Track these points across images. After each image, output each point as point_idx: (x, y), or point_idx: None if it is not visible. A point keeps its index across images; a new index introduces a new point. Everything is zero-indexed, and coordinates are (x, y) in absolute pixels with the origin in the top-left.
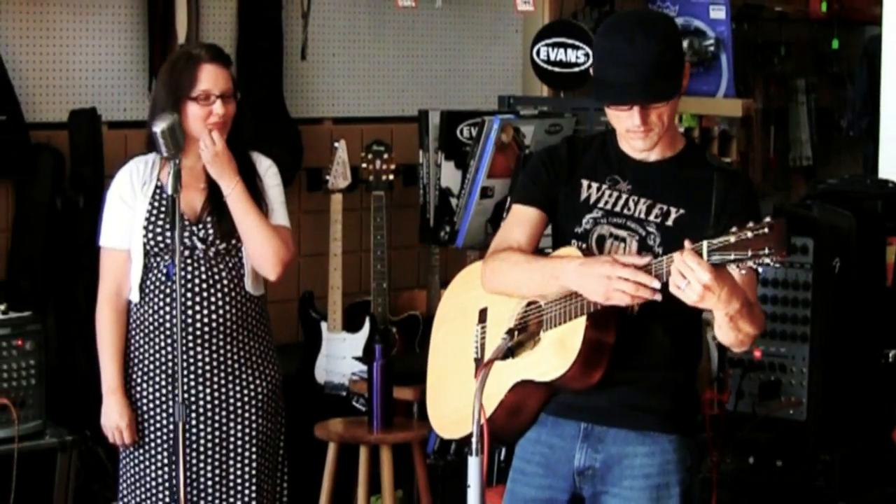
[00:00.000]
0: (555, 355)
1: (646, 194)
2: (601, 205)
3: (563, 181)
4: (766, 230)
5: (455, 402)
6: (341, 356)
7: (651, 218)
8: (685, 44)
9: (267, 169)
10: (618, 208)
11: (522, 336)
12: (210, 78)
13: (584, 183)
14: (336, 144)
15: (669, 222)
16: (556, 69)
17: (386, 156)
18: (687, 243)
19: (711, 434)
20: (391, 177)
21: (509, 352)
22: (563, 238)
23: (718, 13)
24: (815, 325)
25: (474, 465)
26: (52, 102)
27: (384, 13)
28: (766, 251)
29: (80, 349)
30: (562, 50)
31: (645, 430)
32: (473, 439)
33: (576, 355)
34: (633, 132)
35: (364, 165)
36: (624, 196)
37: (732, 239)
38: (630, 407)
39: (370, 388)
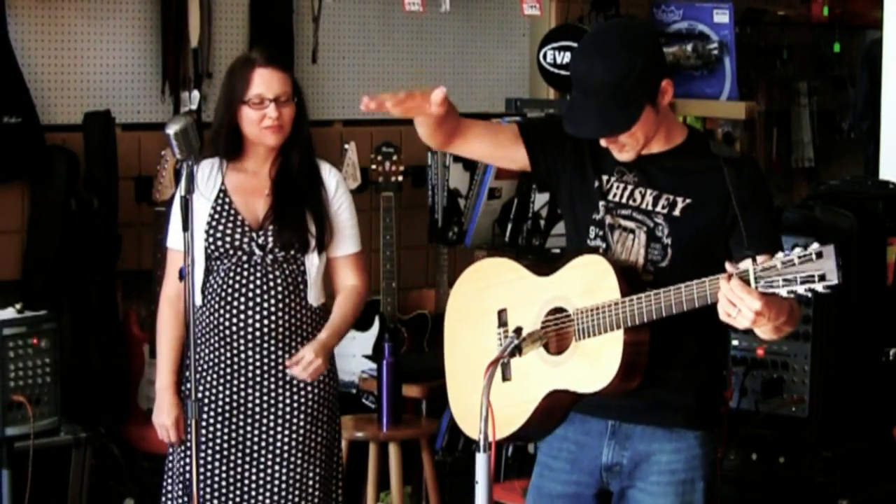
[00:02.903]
0: (593, 368)
1: (651, 185)
2: (610, 196)
3: (570, 162)
4: (812, 256)
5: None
6: (351, 354)
7: (658, 209)
8: (689, 47)
9: (336, 188)
10: (624, 200)
11: (534, 333)
12: (263, 81)
13: (596, 173)
14: (346, 146)
15: (676, 212)
16: (563, 72)
17: (395, 157)
18: (730, 267)
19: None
20: (400, 178)
21: (516, 350)
22: (581, 224)
23: (722, 17)
24: (817, 324)
25: (482, 462)
26: (66, 105)
27: (393, 17)
28: (817, 278)
29: (95, 347)
30: (568, 53)
31: (671, 427)
32: (481, 436)
33: (616, 370)
34: (607, 147)
35: (373, 167)
36: (630, 187)
37: (779, 265)
38: (657, 405)
39: (379, 385)
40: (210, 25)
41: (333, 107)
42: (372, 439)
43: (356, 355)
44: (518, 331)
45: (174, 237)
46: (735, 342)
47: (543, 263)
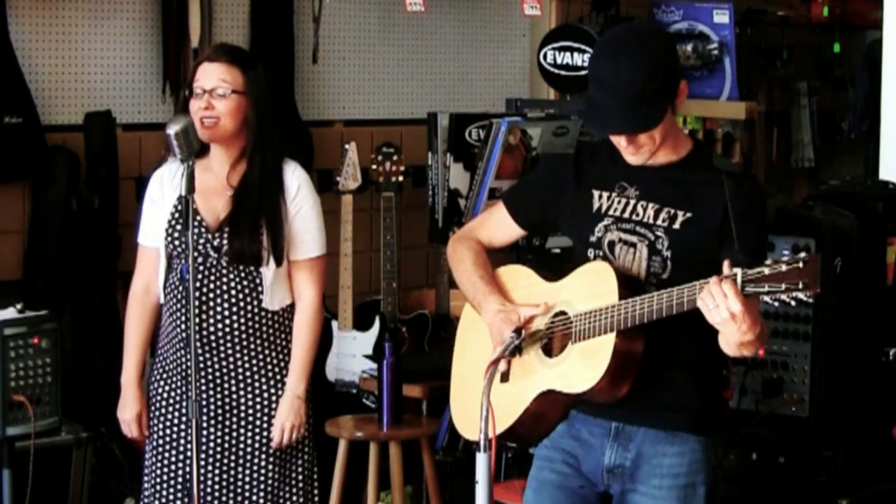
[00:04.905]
0: (583, 368)
1: (653, 199)
2: (611, 212)
3: (569, 196)
4: (800, 265)
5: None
6: (351, 354)
7: (658, 222)
8: (689, 48)
9: (297, 190)
10: (626, 214)
11: (534, 334)
12: (202, 73)
13: (595, 193)
14: (346, 146)
15: (677, 225)
16: (563, 72)
17: (395, 157)
18: (725, 268)
19: None
20: (401, 178)
21: (516, 350)
22: (579, 246)
23: (722, 17)
24: (818, 324)
25: (482, 462)
26: (67, 105)
27: (394, 17)
28: (801, 286)
29: (96, 347)
30: (568, 53)
31: (674, 431)
32: (481, 435)
33: (604, 369)
34: (623, 149)
35: (374, 167)
36: (632, 202)
37: (767, 271)
38: (659, 406)
39: (380, 385)
40: (211, 25)
41: (333, 107)
42: (372, 439)
43: (356, 355)
44: (518, 331)
45: (141, 233)
46: None
47: (555, 270)
